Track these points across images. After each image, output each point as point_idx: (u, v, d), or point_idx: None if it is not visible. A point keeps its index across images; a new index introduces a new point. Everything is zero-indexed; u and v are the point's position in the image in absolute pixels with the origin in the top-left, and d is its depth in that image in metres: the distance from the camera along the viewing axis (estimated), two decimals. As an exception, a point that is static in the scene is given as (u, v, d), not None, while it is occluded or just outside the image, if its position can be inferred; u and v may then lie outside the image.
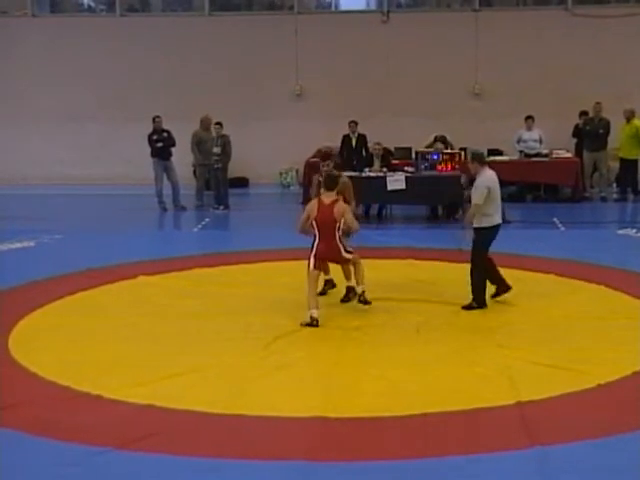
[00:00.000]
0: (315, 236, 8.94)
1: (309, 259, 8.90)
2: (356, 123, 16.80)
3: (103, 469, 5.45)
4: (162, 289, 10.18)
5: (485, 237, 9.01)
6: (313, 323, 8.53)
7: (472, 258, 9.05)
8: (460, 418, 6.21)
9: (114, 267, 11.17)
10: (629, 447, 5.69)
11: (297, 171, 19.90)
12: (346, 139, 16.88)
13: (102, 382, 6.92)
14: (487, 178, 9.01)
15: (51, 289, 10.07)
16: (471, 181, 9.43)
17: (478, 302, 9.03)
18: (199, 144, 16.76)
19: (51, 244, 13.01)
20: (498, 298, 9.34)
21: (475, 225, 9.03)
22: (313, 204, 9.02)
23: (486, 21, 20.11)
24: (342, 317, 8.89)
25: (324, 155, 10.02)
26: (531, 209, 16.52)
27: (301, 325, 8.53)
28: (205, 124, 16.87)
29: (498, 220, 9.10)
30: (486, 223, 8.98)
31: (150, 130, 16.81)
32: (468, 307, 9.02)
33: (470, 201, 9.22)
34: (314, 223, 8.89)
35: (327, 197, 8.98)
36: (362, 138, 16.78)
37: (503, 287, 9.31)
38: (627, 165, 17.43)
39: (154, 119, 16.84)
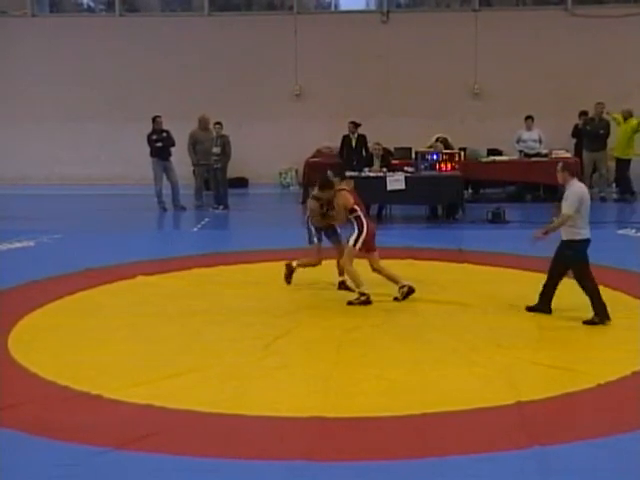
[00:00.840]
0: (359, 221, 9.45)
1: (356, 242, 9.39)
2: (356, 124, 16.76)
3: (103, 469, 5.44)
4: (161, 289, 10.17)
5: (579, 250, 8.59)
6: (367, 300, 9.28)
7: (575, 275, 8.67)
8: (460, 418, 6.20)
9: (113, 267, 11.16)
10: (629, 447, 5.68)
11: (297, 171, 19.90)
12: (346, 139, 16.88)
13: (102, 382, 6.91)
14: (578, 190, 8.64)
15: (51, 289, 10.06)
16: None
17: (600, 317, 8.54)
18: (196, 144, 16.79)
19: (51, 244, 13.01)
20: (496, 298, 9.35)
21: (565, 238, 8.65)
22: (345, 195, 9.53)
23: (486, 21, 20.12)
24: (342, 317, 8.89)
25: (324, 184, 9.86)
26: (530, 209, 16.52)
27: (349, 303, 9.28)
28: (203, 124, 16.88)
29: (588, 234, 8.66)
30: (578, 236, 8.57)
31: (149, 130, 16.82)
32: (590, 322, 8.54)
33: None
34: (357, 207, 9.47)
35: (342, 185, 9.71)
36: (362, 138, 16.77)
37: (543, 307, 8.86)
38: (620, 165, 17.43)
39: (154, 119, 16.84)
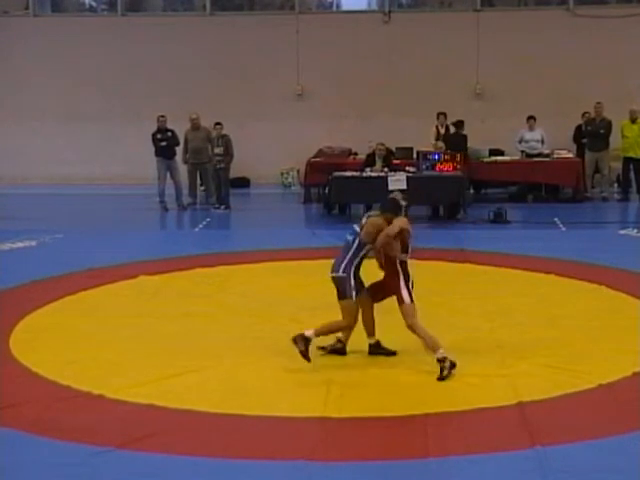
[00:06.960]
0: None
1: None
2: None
3: (103, 469, 5.45)
4: (163, 289, 10.18)
5: None
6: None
7: None
8: (460, 418, 6.21)
9: (115, 267, 11.17)
10: (629, 447, 5.68)
11: (298, 171, 19.88)
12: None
13: (103, 382, 6.92)
14: None
15: (52, 289, 10.07)
16: None
17: None
18: (185, 143, 16.91)
19: (52, 244, 13.02)
20: (497, 298, 9.34)
21: None
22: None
23: (487, 21, 20.10)
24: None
25: None
26: (532, 209, 16.52)
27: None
28: (192, 123, 16.93)
29: None
30: None
31: (153, 129, 16.85)
32: None
33: None
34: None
35: None
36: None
37: None
38: (637, 165, 17.24)
39: (158, 118, 16.88)
